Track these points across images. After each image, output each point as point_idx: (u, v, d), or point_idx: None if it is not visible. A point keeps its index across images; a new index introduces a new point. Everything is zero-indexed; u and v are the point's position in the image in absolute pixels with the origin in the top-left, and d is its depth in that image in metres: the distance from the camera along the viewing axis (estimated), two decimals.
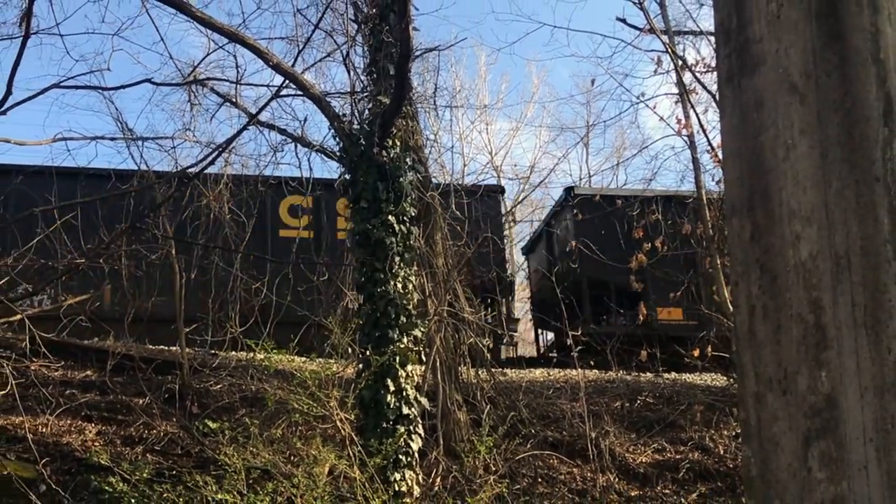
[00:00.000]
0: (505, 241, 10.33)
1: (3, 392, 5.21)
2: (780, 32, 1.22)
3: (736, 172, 1.27)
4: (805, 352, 1.13)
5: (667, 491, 5.99)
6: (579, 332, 7.52)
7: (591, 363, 7.89)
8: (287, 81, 5.84)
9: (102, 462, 4.67)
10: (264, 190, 7.54)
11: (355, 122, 5.72)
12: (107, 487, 4.18)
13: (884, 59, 1.17)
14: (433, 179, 6.61)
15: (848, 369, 1.09)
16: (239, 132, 6.10)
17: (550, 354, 9.99)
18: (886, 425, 1.07)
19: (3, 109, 4.93)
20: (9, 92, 4.95)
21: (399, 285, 5.21)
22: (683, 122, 6.96)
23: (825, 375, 1.11)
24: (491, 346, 6.90)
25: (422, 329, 5.35)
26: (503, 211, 10.45)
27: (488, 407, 6.27)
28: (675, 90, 7.14)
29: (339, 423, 4.34)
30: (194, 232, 7.50)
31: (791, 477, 1.12)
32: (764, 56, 1.24)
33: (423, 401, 5.27)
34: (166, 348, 7.74)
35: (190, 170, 6.19)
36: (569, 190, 10.23)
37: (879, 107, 1.15)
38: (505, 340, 10.21)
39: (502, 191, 10.68)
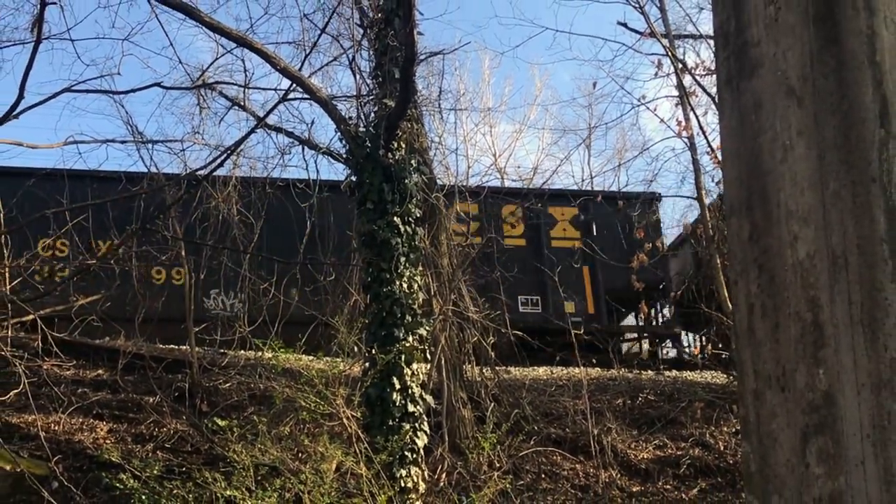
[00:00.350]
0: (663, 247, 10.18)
1: (16, 391, 5.28)
2: (778, 36, 1.23)
3: (735, 173, 1.28)
4: (803, 349, 1.13)
5: (668, 487, 6.00)
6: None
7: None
8: (294, 85, 5.87)
9: (113, 459, 4.72)
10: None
11: (361, 125, 5.75)
12: (118, 484, 4.21)
13: (880, 62, 1.17)
14: (437, 181, 6.64)
15: (845, 367, 1.10)
16: (247, 135, 6.14)
17: (696, 356, 9.91)
18: (883, 421, 1.07)
19: (15, 113, 4.99)
20: (21, 96, 5.01)
21: (404, 285, 5.24)
22: (683, 124, 6.98)
23: (823, 373, 1.11)
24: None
25: (427, 328, 5.38)
26: (660, 217, 10.30)
27: (492, 404, 6.29)
28: (676, 93, 7.15)
29: (345, 421, 4.37)
30: (203, 233, 7.54)
31: (789, 472, 1.13)
32: (762, 59, 1.24)
33: (429, 398, 5.29)
34: (176, 347, 7.80)
35: (199, 172, 6.24)
36: (722, 196, 10.10)
37: (875, 109, 1.15)
38: (665, 343, 10.18)
39: (659, 198, 10.43)
